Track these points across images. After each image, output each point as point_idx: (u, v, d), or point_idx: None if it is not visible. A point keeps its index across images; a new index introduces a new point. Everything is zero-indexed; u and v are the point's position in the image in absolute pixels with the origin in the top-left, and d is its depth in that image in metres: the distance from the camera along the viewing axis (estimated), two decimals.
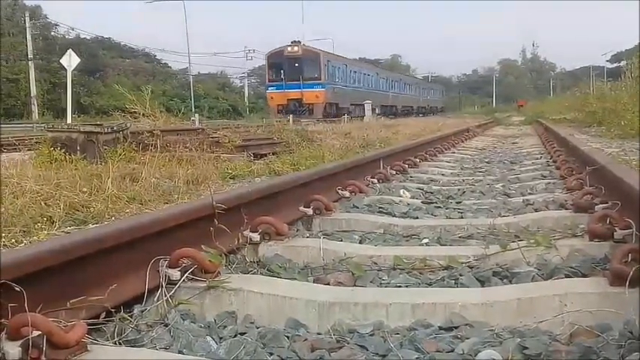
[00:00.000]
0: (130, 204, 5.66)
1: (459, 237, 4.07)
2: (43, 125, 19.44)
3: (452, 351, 2.20)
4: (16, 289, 1.96)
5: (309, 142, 12.99)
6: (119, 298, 2.45)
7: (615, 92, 20.50)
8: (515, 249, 3.36)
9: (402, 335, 2.34)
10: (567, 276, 2.98)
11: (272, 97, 45.69)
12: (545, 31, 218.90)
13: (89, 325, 2.17)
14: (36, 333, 1.87)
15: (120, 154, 8.78)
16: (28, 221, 4.59)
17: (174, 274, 2.66)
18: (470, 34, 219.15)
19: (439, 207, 5.39)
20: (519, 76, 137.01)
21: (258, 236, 3.51)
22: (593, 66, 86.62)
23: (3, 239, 4.09)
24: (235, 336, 2.39)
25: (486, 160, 11.02)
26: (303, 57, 44.79)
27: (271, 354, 2.23)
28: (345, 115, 38.29)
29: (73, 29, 71.04)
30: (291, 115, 34.69)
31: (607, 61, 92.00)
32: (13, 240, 4.12)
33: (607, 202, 4.13)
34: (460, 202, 5.61)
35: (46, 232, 4.41)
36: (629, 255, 2.61)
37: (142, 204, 5.72)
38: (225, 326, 2.48)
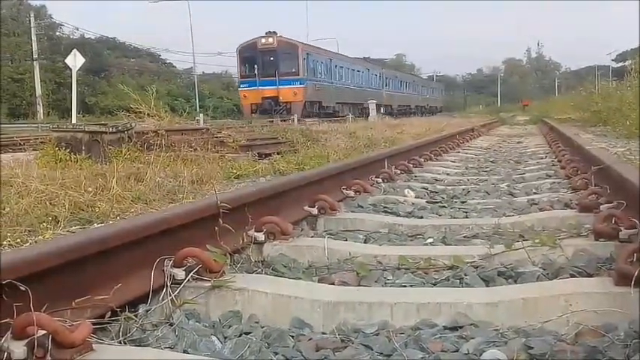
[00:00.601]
0: (134, 203, 5.67)
1: (464, 237, 4.07)
2: (48, 125, 19.51)
3: (457, 351, 2.19)
4: (22, 288, 1.97)
5: (314, 141, 12.99)
6: (124, 298, 2.45)
7: (620, 92, 20.43)
8: (520, 249, 3.35)
9: (407, 335, 2.34)
10: (572, 276, 2.98)
11: (245, 96, 40.36)
12: (550, 30, 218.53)
13: (94, 324, 2.18)
14: (41, 332, 1.87)
15: (125, 154, 8.79)
16: (33, 221, 4.60)
17: (179, 273, 2.67)
18: (474, 33, 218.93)
19: (444, 206, 5.39)
20: (524, 75, 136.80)
21: (263, 236, 3.51)
22: (598, 65, 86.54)
23: (8, 239, 4.10)
24: (240, 335, 2.39)
25: (491, 160, 11.01)
26: (279, 49, 39.62)
27: (276, 353, 2.23)
28: (350, 115, 37.77)
29: (77, 29, 71.41)
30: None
31: (612, 60, 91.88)
32: (19, 239, 4.13)
33: (612, 202, 4.13)
34: (465, 202, 5.61)
35: (51, 231, 4.41)
36: (635, 255, 2.60)
37: (146, 203, 5.72)
38: (229, 326, 2.48)
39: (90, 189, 5.78)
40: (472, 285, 2.96)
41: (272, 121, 26.80)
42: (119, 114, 13.49)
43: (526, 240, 3.56)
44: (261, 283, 2.75)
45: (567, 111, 31.98)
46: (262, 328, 2.47)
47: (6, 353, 1.84)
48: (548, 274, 3.07)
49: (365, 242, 4.02)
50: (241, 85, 41.38)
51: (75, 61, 21.25)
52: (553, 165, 8.86)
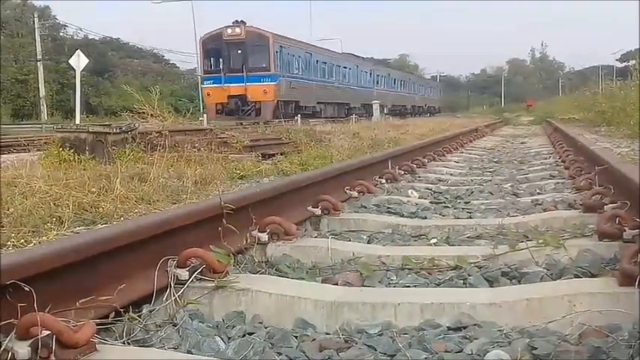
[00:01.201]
0: (138, 204, 5.67)
1: (468, 237, 4.07)
2: (52, 126, 19.51)
3: (460, 351, 2.19)
4: (26, 288, 1.97)
5: (318, 142, 12.98)
6: (128, 298, 2.46)
7: (624, 92, 20.40)
8: (524, 249, 3.35)
9: (411, 335, 2.34)
10: (576, 276, 2.98)
11: (208, 94, 35.21)
12: (554, 30, 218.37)
13: (98, 324, 2.18)
14: (45, 333, 1.88)
15: (128, 155, 8.79)
16: (37, 221, 4.60)
17: (183, 274, 2.67)
18: (477, 33, 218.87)
19: (447, 207, 5.38)
20: (528, 75, 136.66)
21: (267, 236, 3.52)
22: (602, 65, 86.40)
23: (12, 239, 4.11)
24: (244, 336, 2.39)
25: (495, 160, 11.00)
26: (248, 41, 34.32)
27: (280, 354, 2.23)
28: (353, 116, 37.02)
29: (81, 30, 71.42)
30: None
31: (616, 60, 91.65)
32: (23, 240, 4.14)
33: (616, 202, 4.12)
34: (468, 202, 5.60)
35: (55, 232, 4.42)
36: (639, 255, 2.59)
37: (150, 204, 5.73)
38: (233, 326, 2.49)
39: (94, 189, 5.78)
40: (476, 285, 2.96)
41: (242, 124, 24.97)
42: (123, 114, 13.50)
43: (530, 240, 3.56)
44: (265, 284, 2.75)
45: (571, 111, 31.93)
46: (266, 328, 2.47)
47: (10, 353, 1.85)
48: (552, 274, 3.06)
49: (368, 243, 4.02)
50: (205, 82, 36.04)
51: (79, 61, 21.26)
52: (557, 165, 8.85)
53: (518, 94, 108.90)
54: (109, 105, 54.91)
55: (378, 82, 55.44)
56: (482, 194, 6.22)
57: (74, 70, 22.73)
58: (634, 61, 25.26)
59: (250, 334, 2.41)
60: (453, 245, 3.87)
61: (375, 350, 2.23)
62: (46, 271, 2.12)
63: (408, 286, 3.00)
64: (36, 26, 50.90)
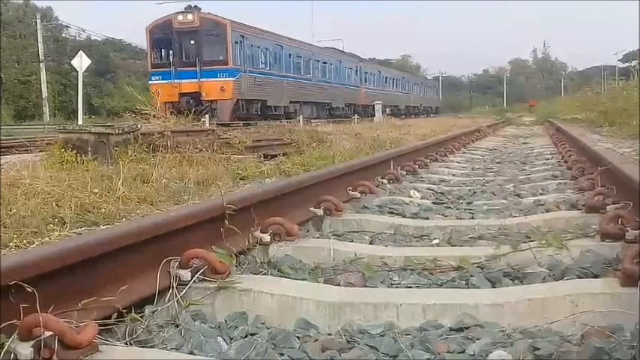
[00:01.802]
0: (140, 205, 5.68)
1: (470, 237, 4.06)
2: (54, 126, 19.51)
3: (463, 352, 2.19)
4: (28, 289, 1.97)
5: (320, 142, 12.98)
6: (130, 299, 2.46)
7: (627, 92, 20.38)
8: (526, 249, 3.35)
9: (413, 336, 2.34)
10: (578, 277, 2.98)
11: (157, 91, 27.66)
12: (557, 31, 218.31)
13: (100, 325, 2.18)
14: (48, 333, 1.88)
15: (131, 155, 8.80)
16: (39, 222, 4.61)
17: (185, 274, 2.67)
18: (479, 34, 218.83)
19: (450, 207, 5.38)
20: (530, 76, 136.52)
21: (269, 237, 3.51)
22: (604, 66, 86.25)
23: (15, 240, 4.12)
24: (246, 336, 2.39)
25: (497, 161, 11.00)
26: (202, 30, 29.28)
27: (282, 354, 2.23)
28: (356, 117, 36.37)
29: (84, 31, 71.43)
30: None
31: (619, 60, 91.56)
32: (25, 241, 4.14)
33: (619, 203, 4.11)
34: (471, 203, 5.60)
35: (57, 233, 4.43)
36: None
37: (152, 205, 5.73)
38: (235, 327, 2.49)
39: (96, 190, 5.79)
40: (478, 286, 2.96)
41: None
42: (125, 115, 13.53)
43: (532, 241, 3.56)
44: (267, 284, 2.75)
45: (574, 111, 31.90)
46: (268, 329, 2.47)
47: (13, 354, 1.85)
48: (554, 274, 3.06)
49: (371, 243, 4.02)
50: (152, 78, 30.05)
51: (81, 62, 21.34)
52: (559, 165, 8.84)
53: (520, 94, 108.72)
54: (111, 106, 54.98)
55: (366, 80, 50.70)
56: (484, 195, 6.21)
57: (76, 71, 22.77)
58: (635, 62, 25.25)
59: (252, 334, 2.41)
60: (455, 246, 3.86)
61: (378, 351, 2.23)
62: (48, 271, 2.12)
63: (411, 287, 3.00)
64: (38, 27, 50.89)
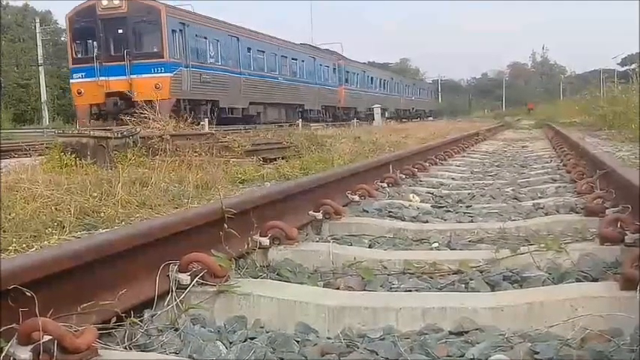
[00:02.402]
0: (140, 209, 5.68)
1: (469, 241, 4.06)
2: (53, 130, 19.53)
3: (462, 356, 2.19)
4: (27, 293, 1.97)
5: (319, 146, 12.99)
6: (129, 303, 2.46)
7: (626, 95, 20.40)
8: (526, 253, 3.35)
9: (413, 340, 2.34)
10: (578, 280, 2.97)
11: (79, 92, 24.37)
12: (555, 33, 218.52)
13: (100, 329, 2.18)
14: (47, 337, 1.87)
15: (130, 159, 8.80)
16: (38, 226, 4.61)
17: (184, 278, 2.67)
18: (479, 37, 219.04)
19: (449, 211, 5.38)
20: (529, 79, 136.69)
21: (268, 241, 3.51)
22: (603, 69, 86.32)
23: (14, 244, 4.12)
24: (245, 341, 2.39)
25: (496, 164, 11.00)
26: (131, 17, 24.39)
27: (281, 359, 2.23)
28: (355, 120, 35.95)
29: None
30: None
31: (617, 64, 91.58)
32: (24, 245, 4.14)
33: (618, 206, 4.12)
34: (470, 206, 5.60)
35: (56, 237, 4.43)
36: None
37: (151, 208, 5.74)
38: (235, 331, 2.48)
39: (95, 194, 5.79)
40: (478, 289, 2.96)
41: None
42: (124, 119, 13.54)
43: (531, 244, 3.55)
44: (266, 288, 2.75)
45: (572, 115, 31.94)
46: (267, 333, 2.47)
47: (12, 358, 1.84)
48: (553, 278, 3.06)
49: (370, 247, 4.02)
50: (74, 75, 25.18)
51: None
52: (558, 169, 8.84)
53: (519, 97, 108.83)
54: None
55: (347, 80, 46.18)
56: (483, 198, 6.21)
57: None
58: (634, 65, 25.29)
59: (252, 338, 2.41)
60: (454, 249, 3.86)
61: (377, 355, 2.23)
62: (47, 275, 2.11)
63: (410, 291, 2.99)
64: (37, 31, 50.95)
